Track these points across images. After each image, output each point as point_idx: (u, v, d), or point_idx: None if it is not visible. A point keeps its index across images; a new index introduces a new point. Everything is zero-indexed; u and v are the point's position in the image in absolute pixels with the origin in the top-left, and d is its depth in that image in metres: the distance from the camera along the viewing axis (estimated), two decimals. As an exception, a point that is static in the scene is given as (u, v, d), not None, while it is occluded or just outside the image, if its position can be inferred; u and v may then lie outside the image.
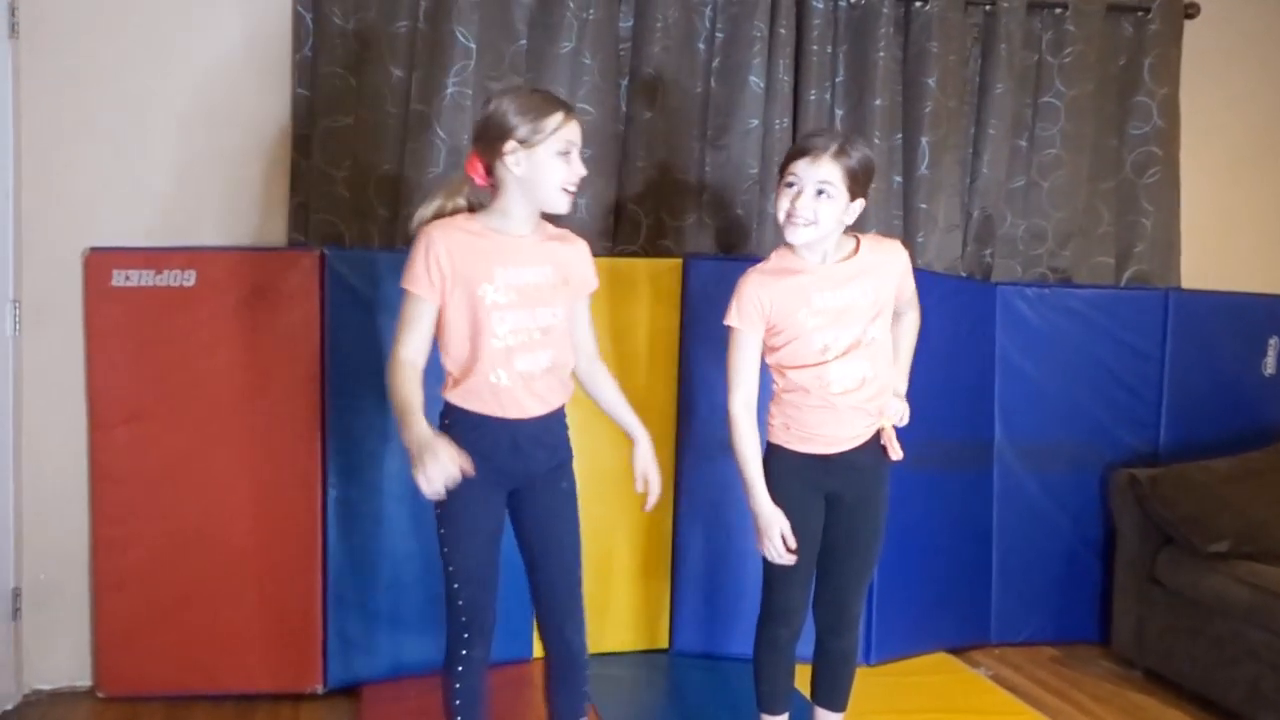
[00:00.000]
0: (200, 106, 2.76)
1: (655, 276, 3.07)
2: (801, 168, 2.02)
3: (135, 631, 2.73)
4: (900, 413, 2.20)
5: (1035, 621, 3.39)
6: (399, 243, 2.87)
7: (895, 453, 2.14)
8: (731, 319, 2.08)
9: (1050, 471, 3.36)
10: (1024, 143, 3.38)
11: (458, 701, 2.01)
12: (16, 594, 2.71)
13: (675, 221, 3.13)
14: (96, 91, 2.71)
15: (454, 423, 1.97)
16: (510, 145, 1.88)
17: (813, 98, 3.12)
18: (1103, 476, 3.34)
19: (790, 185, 2.03)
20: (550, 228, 2.06)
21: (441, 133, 2.85)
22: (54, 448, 2.73)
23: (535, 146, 1.89)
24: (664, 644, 3.13)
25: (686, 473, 3.07)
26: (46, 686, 2.79)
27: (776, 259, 2.13)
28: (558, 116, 1.91)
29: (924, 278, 3.19)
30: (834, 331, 2.05)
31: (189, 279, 2.69)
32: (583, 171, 1.96)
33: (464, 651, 2.00)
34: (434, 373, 1.99)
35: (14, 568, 2.70)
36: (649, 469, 2.15)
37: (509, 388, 1.94)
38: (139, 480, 2.71)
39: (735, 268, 2.94)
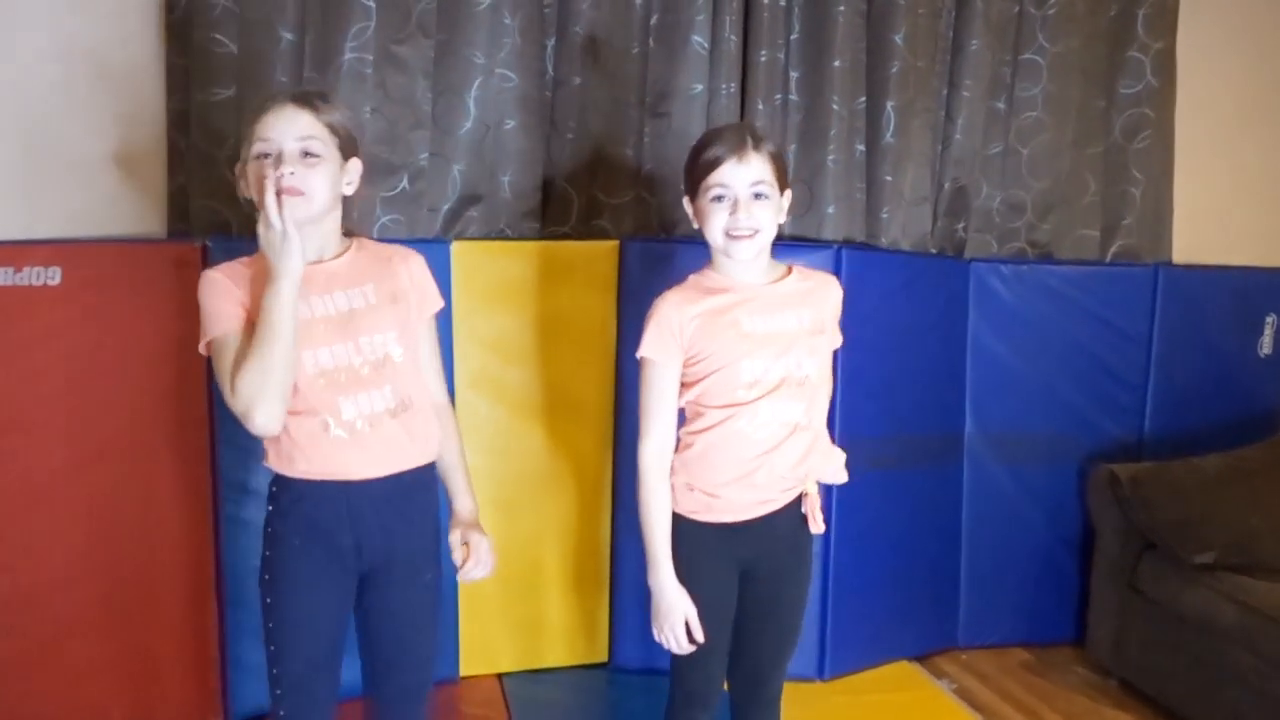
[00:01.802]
0: (60, 80, 2.43)
1: (589, 261, 2.78)
2: (728, 174, 1.70)
3: (5, 674, 2.49)
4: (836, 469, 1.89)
5: (1007, 623, 3.17)
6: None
7: (816, 525, 1.83)
8: (645, 348, 1.76)
9: (1025, 464, 3.12)
10: (1002, 105, 3.06)
11: None
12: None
13: (611, 199, 2.83)
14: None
15: (280, 494, 1.66)
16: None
17: (763, 59, 2.78)
18: (1082, 470, 3.10)
19: (719, 199, 1.72)
20: (370, 243, 1.77)
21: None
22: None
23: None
24: (603, 658, 2.91)
25: (624, 475, 2.81)
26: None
27: (696, 278, 1.82)
28: (257, 120, 1.60)
29: (888, 258, 2.94)
30: (764, 362, 1.74)
31: (54, 276, 2.38)
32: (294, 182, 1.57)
33: None
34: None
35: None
36: (475, 538, 1.81)
37: (340, 438, 1.60)
38: (5, 502, 2.45)
39: (679, 250, 2.69)
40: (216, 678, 2.55)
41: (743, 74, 2.81)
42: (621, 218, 2.83)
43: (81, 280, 2.39)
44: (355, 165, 1.68)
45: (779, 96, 2.83)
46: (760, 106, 2.80)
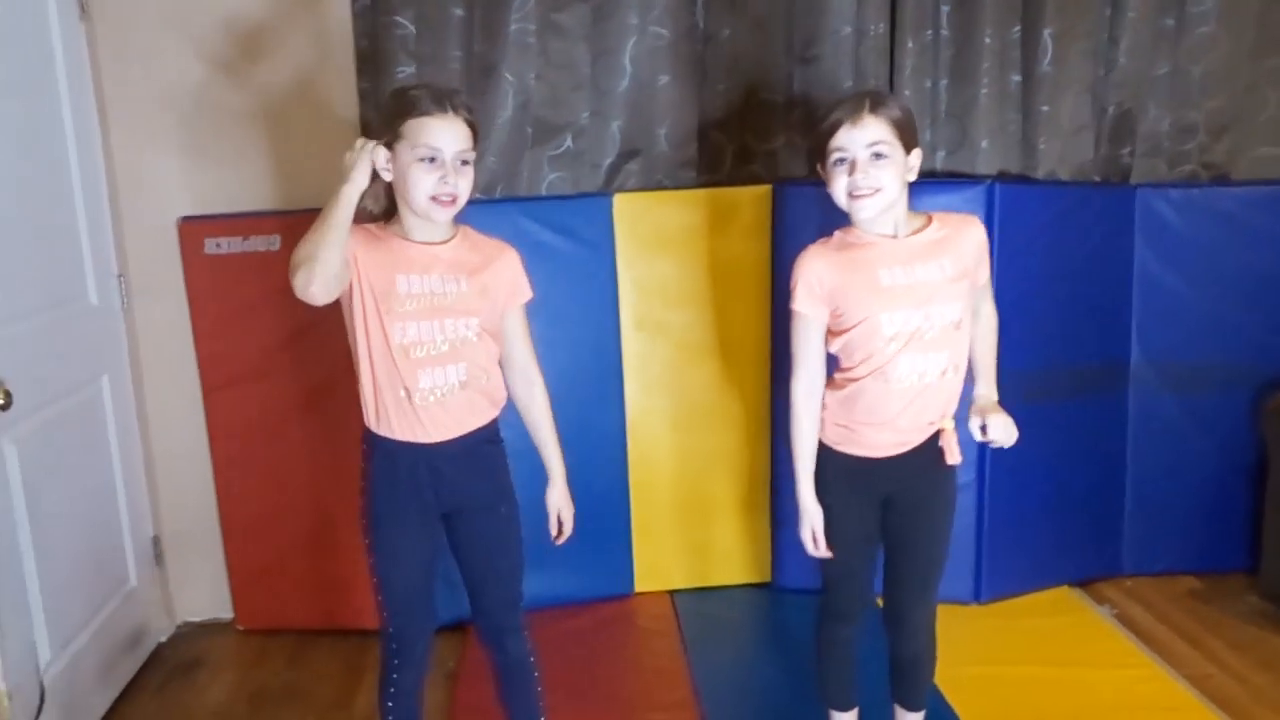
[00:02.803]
0: (264, 69, 2.75)
1: (743, 206, 2.91)
2: (844, 138, 1.80)
3: (263, 573, 2.95)
4: (1005, 429, 1.94)
5: (1175, 551, 3.16)
6: (475, 193, 2.81)
7: (953, 456, 1.92)
8: (793, 302, 1.90)
9: (1194, 393, 3.06)
10: (1171, 22, 2.92)
11: (390, 719, 1.96)
12: (156, 541, 2.96)
13: (763, 145, 2.93)
14: (177, 64, 2.74)
15: (371, 449, 1.88)
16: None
17: (912, -5, 2.79)
18: (1255, 398, 3.01)
19: (840, 161, 1.82)
20: (475, 234, 1.91)
21: (508, 75, 2.74)
22: (174, 409, 2.91)
23: (396, 148, 1.76)
24: (767, 578, 3.12)
25: (781, 409, 2.96)
26: (195, 619, 3.07)
27: (840, 234, 1.92)
28: (414, 118, 1.74)
29: (1044, 190, 2.92)
30: (904, 314, 1.83)
31: (274, 243, 2.75)
32: (452, 189, 1.76)
33: (394, 676, 1.93)
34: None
35: (152, 518, 2.93)
36: (563, 507, 2.04)
37: (418, 405, 1.80)
38: (251, 437, 2.87)
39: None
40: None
41: (891, 12, 2.82)
42: (774, 163, 2.92)
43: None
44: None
45: (929, 32, 2.83)
46: (910, 44, 2.81)
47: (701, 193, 2.92)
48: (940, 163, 2.91)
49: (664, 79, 2.86)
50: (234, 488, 2.91)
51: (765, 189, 2.90)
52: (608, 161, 2.91)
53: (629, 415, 2.98)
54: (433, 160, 1.74)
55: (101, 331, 2.69)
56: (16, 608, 2.17)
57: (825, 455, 1.95)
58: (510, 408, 1.99)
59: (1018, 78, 2.89)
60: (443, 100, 1.76)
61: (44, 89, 2.45)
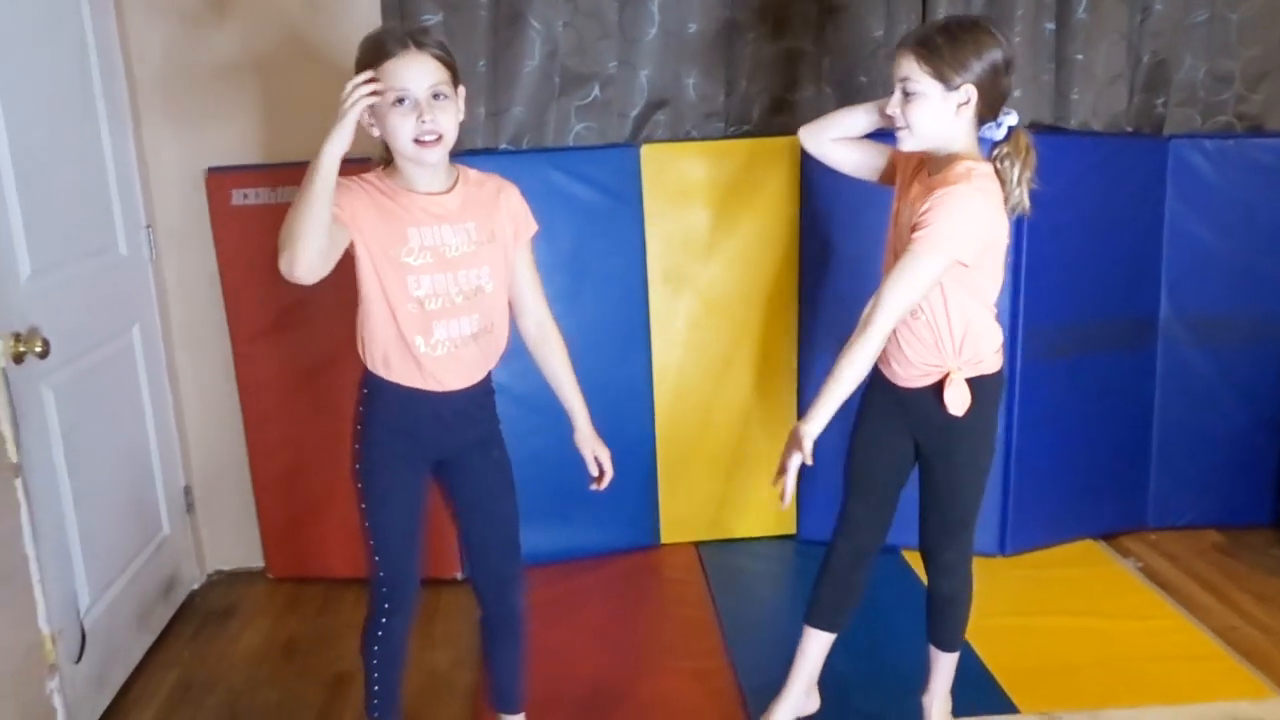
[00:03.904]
0: (284, 14, 2.73)
1: (771, 157, 2.89)
2: (894, 67, 1.81)
3: (293, 523, 2.98)
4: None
5: (1200, 505, 3.16)
6: (502, 143, 2.81)
7: (951, 405, 1.86)
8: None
9: (1224, 347, 3.05)
10: (1210, -32, 2.88)
11: (375, 662, 1.97)
12: (188, 491, 2.99)
13: (792, 95, 2.90)
14: (200, 6, 2.71)
15: (372, 394, 1.85)
16: None
17: (945, -59, 2.74)
18: (1286, 352, 3.00)
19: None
20: (473, 174, 1.84)
21: (535, 23, 2.71)
22: (204, 360, 2.93)
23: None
24: (791, 530, 3.14)
25: (808, 363, 2.97)
26: (226, 567, 3.11)
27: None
28: (381, 64, 1.64)
29: (1076, 141, 2.88)
30: None
31: (301, 195, 2.74)
32: (432, 126, 1.66)
33: (383, 620, 1.93)
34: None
35: (182, 468, 2.96)
36: (596, 448, 1.98)
37: (429, 356, 1.79)
38: (281, 388, 2.89)
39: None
40: (454, 539, 2.94)
41: (924, -41, 2.78)
42: (802, 112, 2.89)
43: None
44: (462, 92, 1.77)
45: (963, -21, 2.79)
46: (942, -9, 2.77)
47: (730, 144, 2.91)
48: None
49: (693, 27, 2.83)
50: (264, 438, 2.93)
51: (794, 140, 2.85)
52: (635, 112, 2.89)
53: (655, 367, 2.99)
54: (403, 101, 1.66)
55: (131, 282, 2.70)
56: (58, 552, 2.20)
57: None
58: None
59: (1052, 25, 2.84)
60: (405, 39, 1.68)
61: (72, 41, 2.44)
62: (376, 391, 1.85)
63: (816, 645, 2.12)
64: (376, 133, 1.71)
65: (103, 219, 2.56)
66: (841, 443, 2.97)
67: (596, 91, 2.85)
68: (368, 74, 1.61)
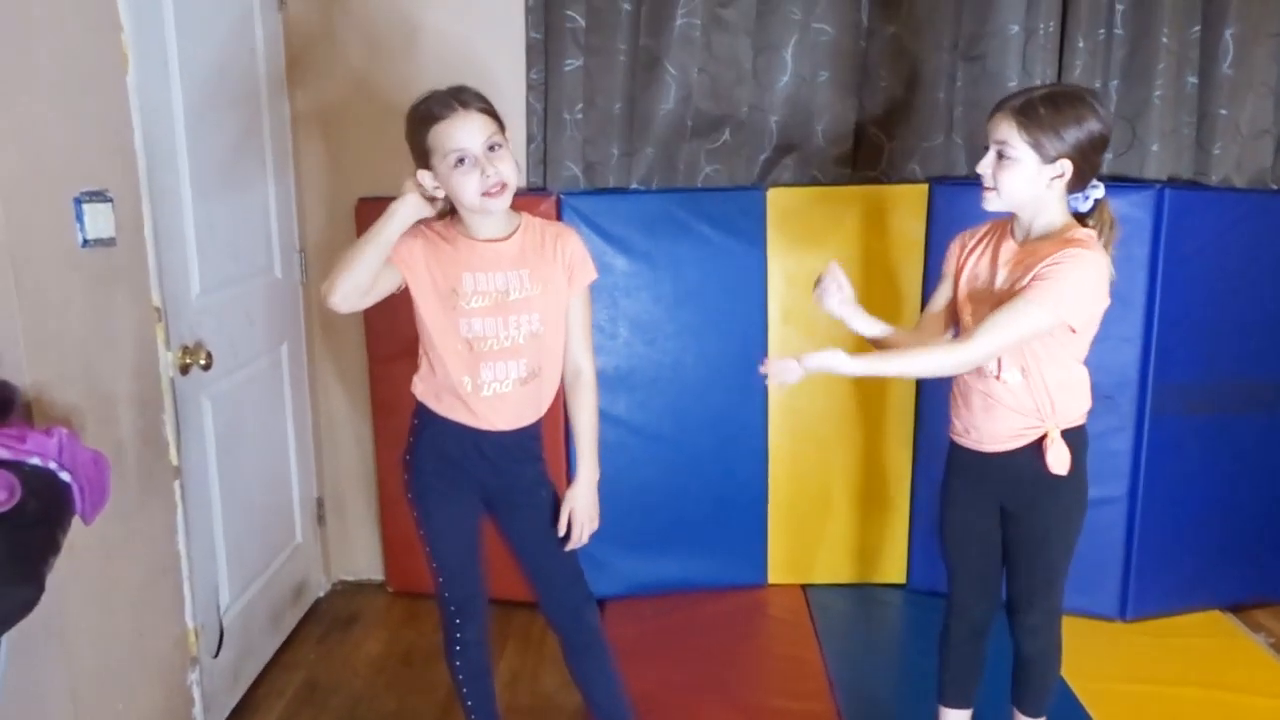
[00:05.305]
0: (437, 59, 2.89)
1: (898, 203, 2.90)
2: (990, 126, 1.82)
3: (413, 540, 3.08)
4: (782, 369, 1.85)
5: (1342, 579, 3.00)
6: (633, 183, 2.90)
7: (1054, 465, 1.85)
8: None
9: (1369, 415, 2.90)
10: (1365, 22, 2.78)
11: (460, 677, 2.07)
12: (320, 503, 3.15)
13: (922, 143, 2.91)
14: (361, 49, 2.90)
15: (422, 425, 1.95)
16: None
17: (1086, -7, 2.73)
18: None
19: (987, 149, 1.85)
20: (535, 222, 1.92)
21: (671, 68, 2.80)
22: (342, 379, 3.10)
23: (433, 164, 1.77)
24: (901, 579, 3.11)
25: (928, 409, 2.95)
26: (350, 578, 3.26)
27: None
28: (431, 128, 1.76)
29: (1216, 196, 2.81)
30: None
31: (441, 226, 2.88)
32: (496, 178, 1.75)
33: (458, 635, 2.04)
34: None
35: (316, 481, 3.13)
36: (576, 509, 1.98)
37: (475, 396, 1.87)
38: (411, 410, 2.98)
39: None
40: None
41: (1063, 11, 2.76)
42: (931, 161, 2.91)
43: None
44: (509, 138, 1.85)
45: (1101, 31, 2.77)
46: (1081, 44, 2.75)
47: (856, 189, 2.93)
48: (1107, 166, 2.83)
49: (824, 74, 2.88)
50: (393, 458, 3.04)
51: (921, 187, 2.88)
52: (764, 156, 2.95)
53: (771, 406, 3.02)
54: (464, 161, 1.75)
55: (283, 303, 2.89)
56: (205, 552, 2.36)
57: (950, 450, 2.00)
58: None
59: (1194, 79, 2.79)
60: (449, 101, 1.77)
61: (247, 78, 2.64)
62: (426, 423, 1.95)
63: None
64: (442, 193, 1.81)
65: (262, 243, 2.75)
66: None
67: (727, 135, 2.92)
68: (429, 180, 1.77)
